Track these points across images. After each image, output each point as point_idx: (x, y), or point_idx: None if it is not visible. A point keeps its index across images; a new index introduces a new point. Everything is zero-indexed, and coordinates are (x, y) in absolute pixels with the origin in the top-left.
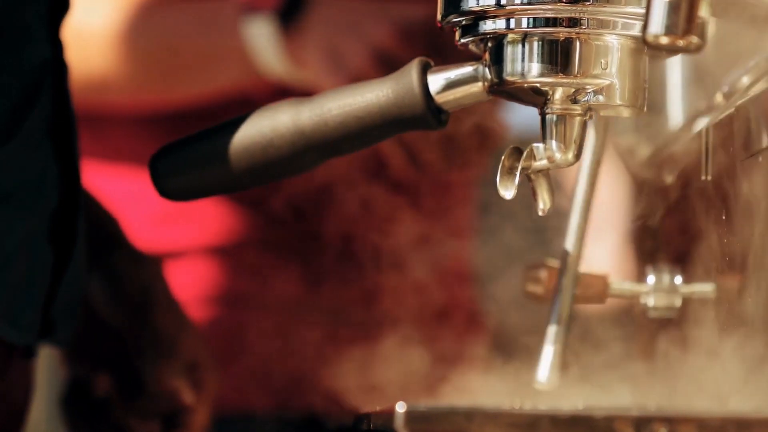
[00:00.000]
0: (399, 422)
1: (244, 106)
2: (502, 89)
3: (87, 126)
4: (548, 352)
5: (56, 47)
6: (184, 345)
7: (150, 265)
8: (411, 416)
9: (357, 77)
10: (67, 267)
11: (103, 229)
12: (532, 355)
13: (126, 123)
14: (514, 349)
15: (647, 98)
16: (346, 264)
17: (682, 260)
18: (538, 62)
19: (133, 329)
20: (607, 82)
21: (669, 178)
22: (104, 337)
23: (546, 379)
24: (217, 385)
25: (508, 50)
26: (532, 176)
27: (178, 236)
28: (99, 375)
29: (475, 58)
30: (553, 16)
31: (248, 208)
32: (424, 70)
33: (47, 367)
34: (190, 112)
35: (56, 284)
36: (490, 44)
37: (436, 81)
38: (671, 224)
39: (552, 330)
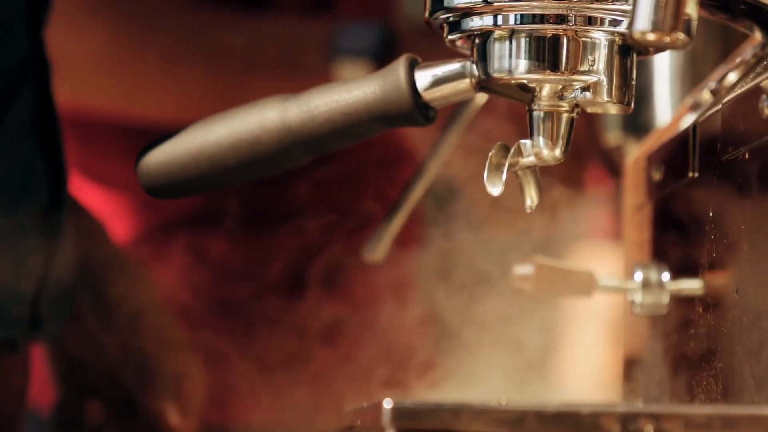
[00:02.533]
0: (386, 418)
1: None
2: (490, 86)
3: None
4: (383, 229)
5: (37, 43)
6: (169, 358)
7: (140, 282)
8: (398, 412)
9: None
10: (55, 262)
11: (93, 245)
12: None
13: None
14: None
15: (634, 95)
16: None
17: (669, 257)
18: (525, 59)
19: (121, 350)
20: (595, 79)
21: (656, 175)
22: (94, 359)
23: (374, 252)
24: (202, 393)
25: (495, 47)
26: (520, 173)
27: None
28: (90, 398)
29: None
30: (540, 12)
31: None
32: (412, 67)
33: None
34: None
35: (45, 279)
36: (477, 41)
37: (423, 77)
38: (658, 221)
39: (395, 211)
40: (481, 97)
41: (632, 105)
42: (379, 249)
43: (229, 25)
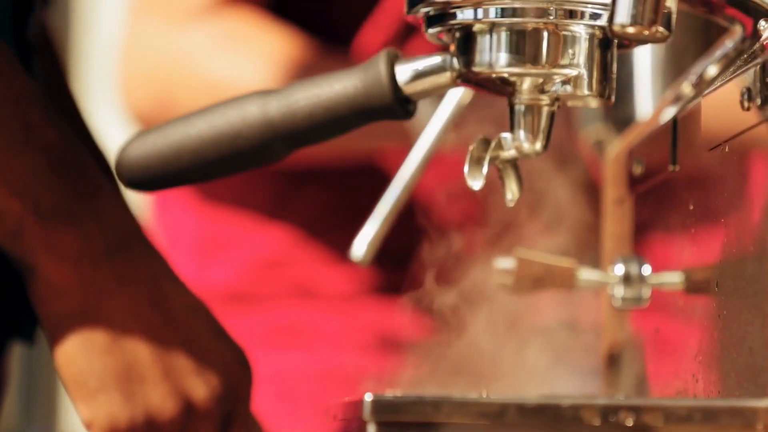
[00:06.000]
0: (367, 411)
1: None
2: (470, 79)
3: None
4: (370, 229)
5: (23, 50)
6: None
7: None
8: (378, 405)
9: None
10: None
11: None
12: None
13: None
14: None
15: (615, 88)
16: None
17: (650, 250)
18: (505, 52)
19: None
20: (575, 73)
21: (637, 169)
22: None
23: (361, 254)
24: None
25: (476, 40)
26: (500, 166)
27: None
28: None
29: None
30: (520, 6)
31: None
32: (392, 61)
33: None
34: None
35: (22, 280)
36: (457, 35)
37: (403, 71)
38: (640, 214)
39: (382, 209)
40: (466, 96)
41: (613, 98)
42: (366, 251)
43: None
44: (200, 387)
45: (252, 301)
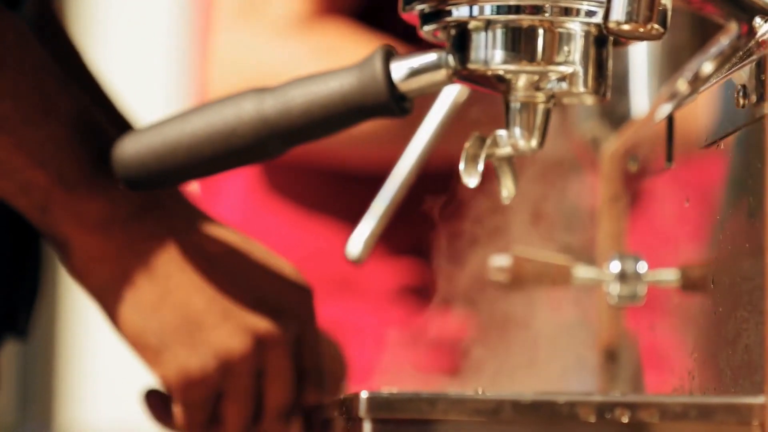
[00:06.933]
0: (363, 409)
1: None
2: (466, 77)
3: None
4: (366, 227)
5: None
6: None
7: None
8: (374, 402)
9: None
10: (27, 258)
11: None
12: None
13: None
14: None
15: (610, 85)
16: None
17: (646, 248)
18: (501, 50)
19: None
20: (571, 70)
21: (633, 166)
22: None
23: (356, 253)
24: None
25: (472, 38)
26: (496, 163)
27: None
28: None
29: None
30: (516, 3)
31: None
32: (387, 58)
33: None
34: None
35: (16, 275)
36: (453, 32)
37: (399, 69)
38: (635, 212)
39: (378, 207)
40: (462, 94)
41: (608, 95)
42: (362, 250)
43: None
44: (261, 319)
45: None
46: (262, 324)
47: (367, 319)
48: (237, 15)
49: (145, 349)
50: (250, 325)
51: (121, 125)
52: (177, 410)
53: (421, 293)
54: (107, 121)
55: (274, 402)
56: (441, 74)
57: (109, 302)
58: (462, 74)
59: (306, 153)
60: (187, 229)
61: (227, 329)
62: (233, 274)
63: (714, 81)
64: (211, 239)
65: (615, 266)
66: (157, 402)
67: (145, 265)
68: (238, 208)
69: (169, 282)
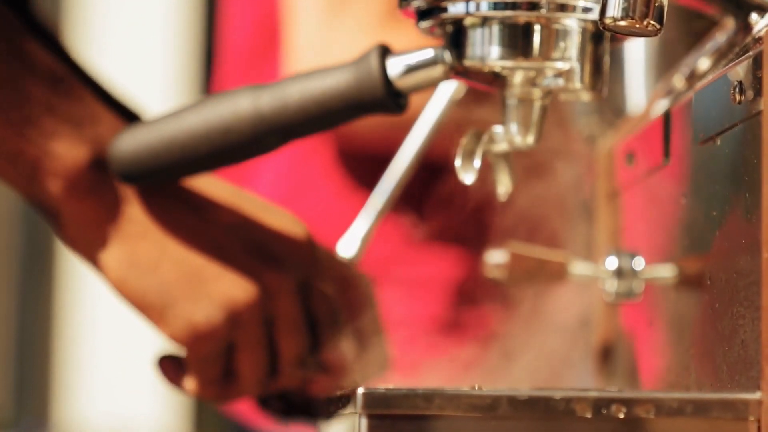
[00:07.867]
0: (359, 405)
1: None
2: (462, 73)
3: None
4: (361, 226)
5: None
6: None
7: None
8: (370, 398)
9: None
10: None
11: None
12: None
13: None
14: None
15: (607, 82)
16: None
17: (643, 244)
18: (497, 46)
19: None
20: (567, 66)
21: (629, 162)
22: None
23: (352, 252)
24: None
25: (468, 34)
26: (493, 159)
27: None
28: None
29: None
30: None
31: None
32: (384, 55)
33: None
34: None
35: None
36: (449, 28)
37: (395, 65)
38: (631, 208)
39: (373, 206)
40: (459, 91)
41: (605, 92)
42: (357, 249)
43: None
44: (261, 266)
45: None
46: (262, 271)
47: (400, 306)
48: (322, 13)
49: (148, 309)
50: (250, 272)
51: (100, 92)
52: (190, 369)
53: (456, 282)
54: (84, 86)
55: (288, 351)
56: (437, 70)
57: (107, 266)
58: (458, 70)
59: (349, 136)
60: (176, 185)
61: (228, 279)
62: (228, 224)
63: (710, 77)
64: (203, 193)
65: (612, 263)
66: (169, 366)
67: (139, 225)
68: (277, 189)
69: (165, 239)
